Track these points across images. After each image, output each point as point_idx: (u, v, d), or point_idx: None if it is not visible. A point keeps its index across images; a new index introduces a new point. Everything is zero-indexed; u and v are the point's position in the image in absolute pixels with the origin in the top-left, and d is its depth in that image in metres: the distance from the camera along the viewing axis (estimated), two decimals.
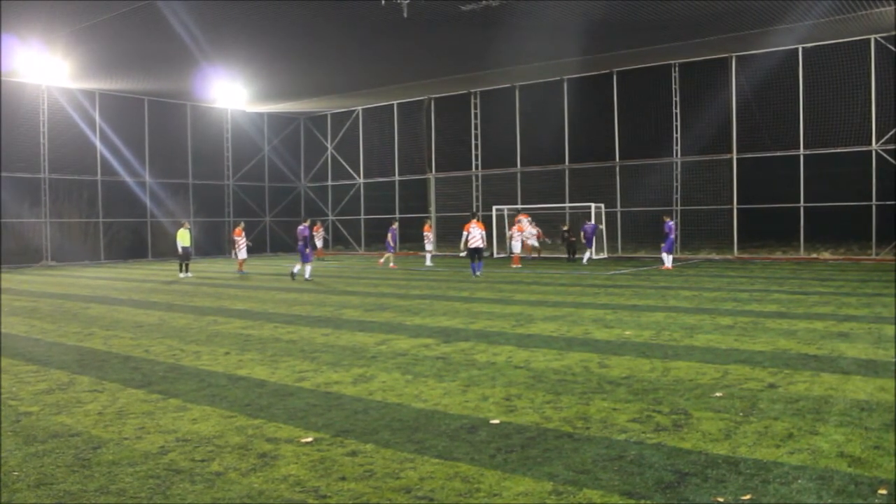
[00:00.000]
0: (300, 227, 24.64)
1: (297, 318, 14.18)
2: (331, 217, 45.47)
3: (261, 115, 44.67)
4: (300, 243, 24.24)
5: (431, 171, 41.51)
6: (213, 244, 41.62)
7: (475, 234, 23.68)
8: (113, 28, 24.92)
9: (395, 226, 30.29)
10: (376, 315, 14.31)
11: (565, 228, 32.38)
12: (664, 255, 26.39)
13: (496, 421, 6.48)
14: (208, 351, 10.49)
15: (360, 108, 44.41)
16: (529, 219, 31.99)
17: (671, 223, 26.84)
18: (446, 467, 5.27)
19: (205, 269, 30.58)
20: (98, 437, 6.21)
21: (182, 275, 26.11)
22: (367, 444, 5.87)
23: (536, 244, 31.94)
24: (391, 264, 29.38)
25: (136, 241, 38.86)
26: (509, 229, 32.38)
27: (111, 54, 29.45)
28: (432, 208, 40.36)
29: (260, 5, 22.97)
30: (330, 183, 46.71)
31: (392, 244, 29.55)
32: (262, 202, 45.43)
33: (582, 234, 30.72)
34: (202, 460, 5.55)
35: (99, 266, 34.62)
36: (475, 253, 23.79)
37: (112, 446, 5.95)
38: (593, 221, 31.31)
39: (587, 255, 30.38)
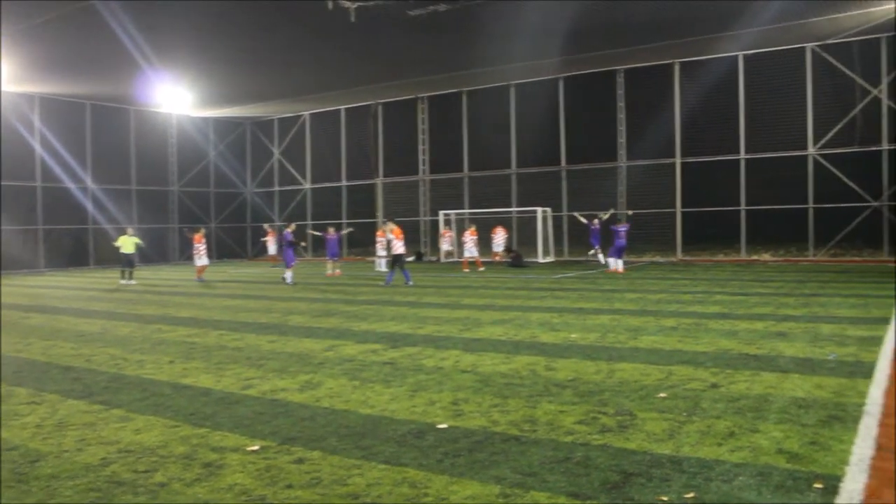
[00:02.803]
0: (285, 232, 24.58)
1: (244, 325, 14.02)
2: (277, 223, 45.04)
3: (206, 119, 44.09)
4: (287, 248, 24.21)
5: (379, 177, 41.43)
6: (157, 251, 40.88)
7: (400, 240, 23.02)
8: (53, 30, 24.38)
9: (332, 231, 28.46)
10: (323, 321, 14.21)
11: (513, 249, 32.15)
12: (617, 260, 26.07)
13: (443, 425, 6.49)
14: (152, 360, 10.31)
15: (307, 112, 44.14)
16: (506, 234, 32.01)
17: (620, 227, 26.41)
18: (394, 473, 5.25)
19: (149, 277, 30.04)
20: (36, 451, 6.06)
21: (123, 282, 25.61)
22: (313, 452, 5.83)
23: (501, 250, 31.88)
24: (336, 271, 28.30)
25: (77, 248, 38.03)
26: (461, 234, 32.48)
27: (51, 57, 28.78)
28: (380, 213, 40.25)
29: (203, 6, 22.67)
30: (276, 188, 46.32)
31: (336, 250, 28.81)
32: (208, 208, 44.85)
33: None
34: (145, 471, 5.44)
35: (39, 274, 33.77)
36: (397, 260, 23.01)
37: (51, 459, 5.81)
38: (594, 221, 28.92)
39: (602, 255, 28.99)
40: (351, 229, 29.41)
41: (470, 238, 29.88)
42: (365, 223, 40.41)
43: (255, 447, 5.99)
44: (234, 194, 46.56)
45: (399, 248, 22.92)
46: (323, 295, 20.07)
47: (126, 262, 26.05)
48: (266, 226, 39.67)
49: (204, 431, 6.51)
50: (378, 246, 30.79)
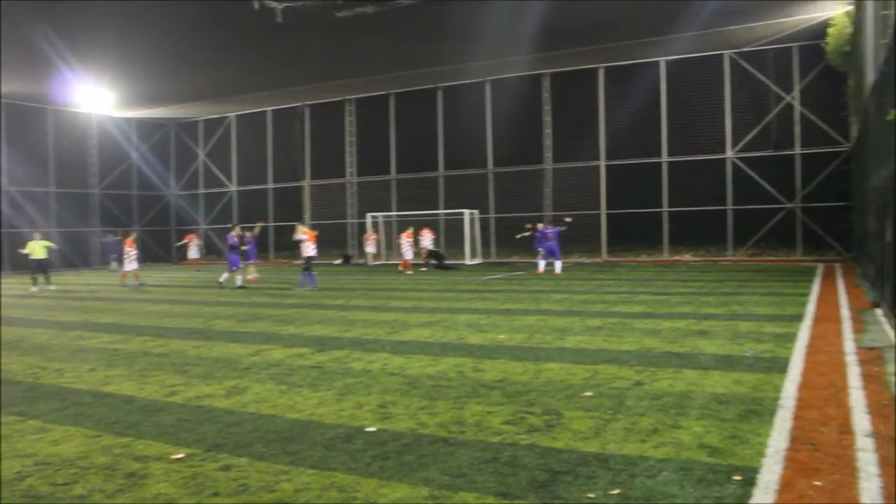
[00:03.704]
0: (229, 235, 23.94)
1: (168, 330, 13.71)
2: (203, 226, 44.26)
3: (129, 120, 43.04)
4: (230, 252, 23.58)
5: (306, 179, 41.07)
6: (79, 255, 39.68)
7: (312, 243, 22.49)
8: None
9: (248, 234, 26.79)
10: (250, 325, 14.01)
11: (433, 249, 32.13)
12: (551, 262, 25.99)
13: (372, 429, 6.46)
14: (72, 368, 9.99)
15: (233, 114, 43.49)
16: (433, 236, 32.02)
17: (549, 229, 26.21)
18: (322, 478, 5.20)
19: (69, 282, 29.14)
20: None
21: (34, 289, 24.63)
22: (240, 458, 5.73)
23: (431, 247, 31.88)
24: (252, 275, 26.95)
25: None
26: (398, 236, 32.35)
27: None
28: (308, 216, 39.92)
29: (123, 6, 22.11)
30: (201, 191, 45.50)
31: (252, 253, 27.14)
32: (130, 211, 43.77)
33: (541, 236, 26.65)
34: (64, 484, 5.27)
35: None
36: (307, 262, 22.39)
37: None
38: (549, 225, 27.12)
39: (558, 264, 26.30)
40: (256, 228, 27.86)
41: (406, 240, 29.77)
42: (292, 226, 40.03)
43: (180, 455, 5.85)
44: (158, 197, 45.54)
45: (310, 250, 22.44)
46: (249, 299, 19.78)
47: (37, 268, 25.05)
48: (180, 242, 38.67)
49: (127, 440, 6.34)
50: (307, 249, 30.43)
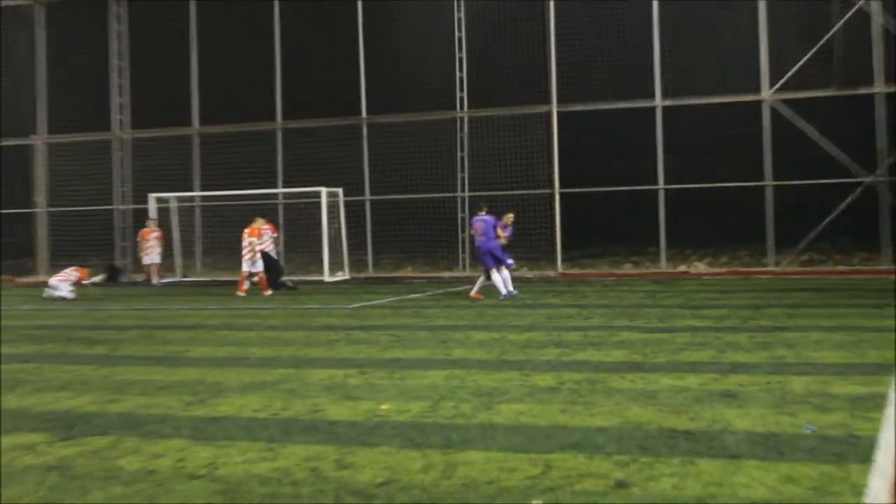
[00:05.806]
0: None
1: None
2: None
3: None
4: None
5: (39, 133, 40.32)
6: None
7: None
8: None
9: None
10: None
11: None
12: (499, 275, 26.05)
13: None
14: None
15: None
16: (275, 234, 31.90)
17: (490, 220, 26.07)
18: None
19: None
20: None
21: None
22: None
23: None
24: None
25: None
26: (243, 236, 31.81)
27: None
28: (40, 197, 39.20)
29: None
30: None
31: None
32: None
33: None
34: None
35: None
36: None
37: None
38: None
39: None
40: None
41: (249, 241, 29.44)
42: (18, 214, 39.16)
43: None
44: None
45: None
46: None
47: None
48: None
49: None
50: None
